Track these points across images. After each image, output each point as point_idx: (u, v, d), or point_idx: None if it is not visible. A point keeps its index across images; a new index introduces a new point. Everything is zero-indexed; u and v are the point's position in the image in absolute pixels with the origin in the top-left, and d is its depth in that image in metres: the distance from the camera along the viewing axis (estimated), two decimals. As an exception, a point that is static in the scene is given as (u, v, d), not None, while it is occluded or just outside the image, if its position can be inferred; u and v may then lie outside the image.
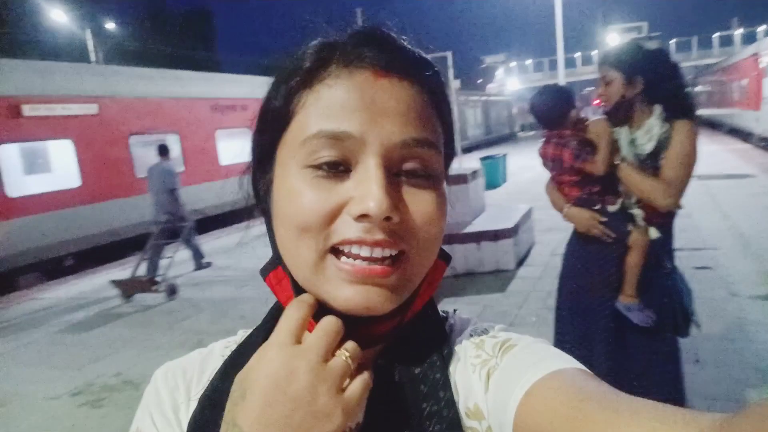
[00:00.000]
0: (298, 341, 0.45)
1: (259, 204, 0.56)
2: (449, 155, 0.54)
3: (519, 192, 12.02)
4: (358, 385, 0.45)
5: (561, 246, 2.69)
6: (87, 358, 4.98)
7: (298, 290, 0.50)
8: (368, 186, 0.45)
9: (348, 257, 0.47)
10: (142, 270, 7.02)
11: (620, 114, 2.22)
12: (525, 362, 0.49)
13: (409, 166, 0.48)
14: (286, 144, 0.50)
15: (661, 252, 2.25)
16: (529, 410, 0.44)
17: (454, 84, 20.86)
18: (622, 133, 2.24)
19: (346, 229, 0.46)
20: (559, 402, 0.42)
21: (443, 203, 0.50)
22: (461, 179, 6.62)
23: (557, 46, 18.17)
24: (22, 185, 8.85)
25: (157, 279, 6.70)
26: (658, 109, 2.18)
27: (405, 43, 0.50)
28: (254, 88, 13.79)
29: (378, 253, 0.46)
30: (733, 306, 4.50)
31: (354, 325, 0.48)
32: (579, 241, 2.39)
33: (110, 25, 34.30)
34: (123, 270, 8.39)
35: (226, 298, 6.49)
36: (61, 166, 9.74)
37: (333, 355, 0.45)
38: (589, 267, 2.34)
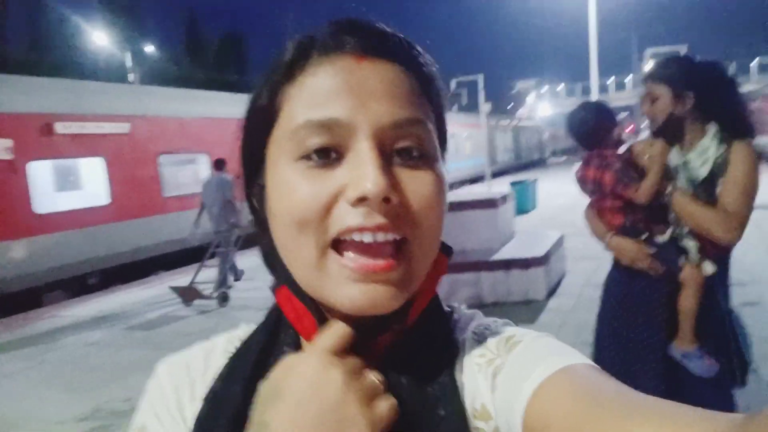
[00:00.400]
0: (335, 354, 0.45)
1: (255, 217, 0.54)
2: (442, 136, 0.53)
3: (550, 218, 11.70)
4: (386, 404, 0.44)
5: (595, 275, 2.46)
6: (99, 380, 4.84)
7: (307, 303, 0.49)
8: (363, 168, 0.43)
9: (350, 251, 0.45)
10: (201, 277, 7.14)
11: (668, 134, 1.97)
12: (531, 360, 0.47)
13: (402, 145, 0.46)
14: (275, 141, 0.49)
15: (716, 289, 1.98)
16: (538, 410, 0.43)
17: (485, 107, 20.73)
18: (673, 155, 2.00)
19: (345, 216, 0.44)
20: (570, 401, 0.41)
21: (441, 183, 0.49)
22: (490, 204, 6.41)
23: (591, 70, 17.91)
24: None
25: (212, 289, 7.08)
26: (713, 128, 1.93)
27: (385, 27, 0.49)
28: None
29: (381, 237, 0.45)
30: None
31: (360, 336, 0.47)
32: (623, 274, 2.13)
33: (149, 48, 35.33)
34: (144, 288, 8.33)
35: (250, 320, 6.29)
36: (90, 183, 9.80)
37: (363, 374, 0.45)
38: (633, 304, 2.08)
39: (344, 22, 0.49)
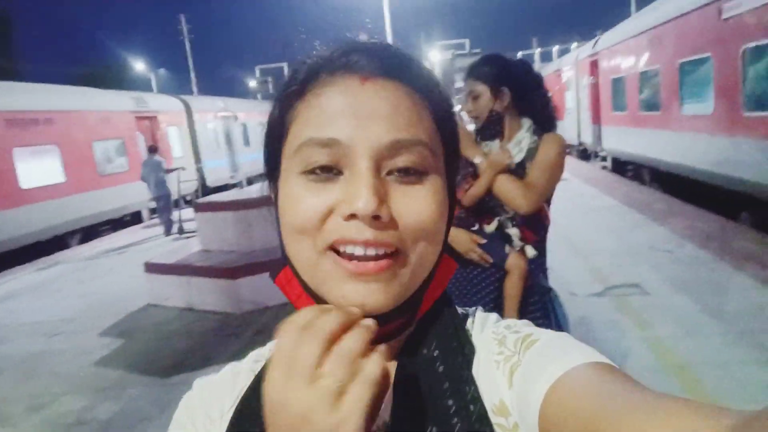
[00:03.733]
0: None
1: (275, 204, 0.56)
2: (451, 151, 0.54)
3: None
4: (355, 392, 0.39)
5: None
6: None
7: (307, 288, 0.52)
8: (356, 187, 0.46)
9: (344, 257, 0.48)
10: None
11: (492, 129, 2.06)
12: (548, 357, 0.47)
13: (399, 164, 0.48)
14: (286, 154, 0.52)
15: (537, 271, 2.14)
16: (553, 406, 0.43)
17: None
18: (494, 148, 2.09)
19: (338, 229, 0.47)
20: (584, 398, 0.41)
21: (438, 198, 0.50)
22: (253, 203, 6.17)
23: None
24: None
25: None
26: (527, 122, 2.08)
27: (392, 48, 0.52)
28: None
29: (371, 251, 0.47)
30: (575, 306, 4.73)
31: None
32: (459, 261, 2.19)
33: None
34: None
35: (33, 352, 5.38)
36: None
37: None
38: (468, 291, 2.15)
39: (352, 44, 0.52)
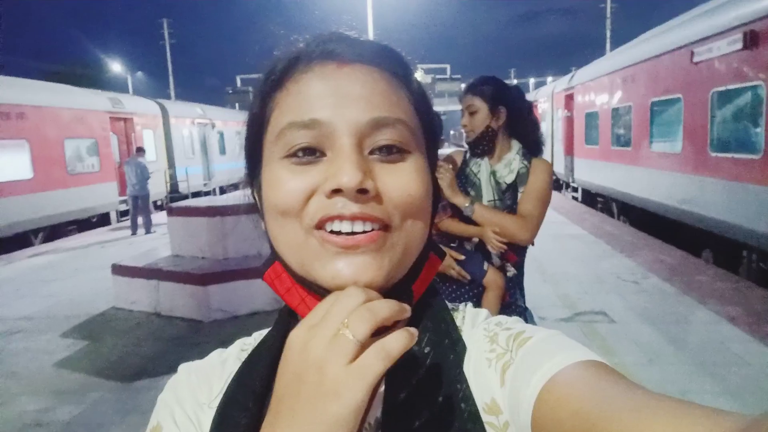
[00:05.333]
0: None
1: (258, 207, 0.57)
2: (430, 133, 0.55)
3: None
4: (369, 353, 0.39)
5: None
6: None
7: (298, 279, 0.51)
8: (340, 163, 0.46)
9: (331, 235, 0.47)
10: None
11: (485, 145, 2.13)
12: (541, 355, 0.47)
13: (381, 142, 0.49)
14: (267, 143, 0.52)
15: (515, 289, 2.19)
16: (547, 405, 0.43)
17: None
18: (483, 165, 2.15)
19: (324, 207, 0.47)
20: (578, 397, 0.41)
21: (421, 175, 0.51)
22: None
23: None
24: None
25: None
26: (516, 145, 2.15)
27: (364, 37, 0.54)
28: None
29: (359, 227, 0.47)
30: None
31: None
32: (436, 279, 2.22)
33: None
34: None
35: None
36: None
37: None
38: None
39: (327, 34, 0.53)
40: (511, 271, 2.16)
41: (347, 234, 0.47)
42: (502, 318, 0.57)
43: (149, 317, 5.86)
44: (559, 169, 16.84)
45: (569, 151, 15.80)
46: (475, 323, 0.57)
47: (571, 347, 0.47)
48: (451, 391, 0.49)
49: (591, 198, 14.11)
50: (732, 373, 3.93)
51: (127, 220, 12.82)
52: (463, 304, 0.61)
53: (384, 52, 0.53)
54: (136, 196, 11.42)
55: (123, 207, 13.59)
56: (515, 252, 2.16)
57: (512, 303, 2.17)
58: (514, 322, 0.55)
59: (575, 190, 15.50)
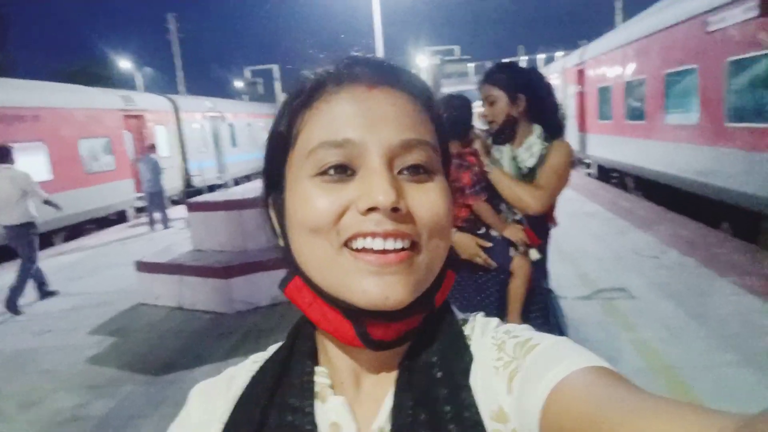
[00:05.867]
0: None
1: (275, 225, 0.58)
2: (445, 155, 0.57)
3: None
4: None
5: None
6: None
7: (319, 292, 0.52)
8: (374, 181, 0.48)
9: (361, 253, 0.48)
10: None
11: (506, 133, 2.14)
12: (547, 362, 0.48)
13: (409, 163, 0.51)
14: (293, 162, 0.53)
15: (539, 274, 2.21)
16: (554, 411, 0.43)
17: (282, 97, 20.58)
18: (505, 151, 2.17)
19: (357, 223, 0.48)
20: (584, 403, 0.42)
21: (446, 195, 0.53)
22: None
23: (377, 64, 18.76)
24: None
25: None
26: (538, 128, 2.16)
27: (390, 61, 0.56)
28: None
29: (390, 245, 0.48)
30: (564, 308, 4.84)
31: (385, 319, 0.50)
32: (465, 264, 2.25)
33: None
34: None
35: (22, 349, 5.34)
36: None
37: None
38: (471, 295, 2.21)
39: (355, 57, 0.55)
40: (536, 255, 2.19)
41: (379, 251, 0.48)
42: (511, 326, 0.58)
43: (173, 311, 5.98)
44: (573, 146, 16.68)
45: (582, 127, 15.65)
46: (484, 332, 0.57)
47: (577, 353, 0.48)
48: (455, 401, 0.51)
49: (605, 174, 14.00)
50: (755, 345, 3.93)
51: (143, 216, 13.00)
52: (475, 313, 0.62)
53: (409, 77, 0.55)
54: (152, 193, 11.60)
55: (139, 203, 13.73)
56: (539, 234, 2.17)
57: (536, 286, 2.19)
58: (523, 329, 0.56)
59: (588, 166, 15.37)
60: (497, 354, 0.53)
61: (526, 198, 2.07)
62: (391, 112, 0.51)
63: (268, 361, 0.60)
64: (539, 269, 2.22)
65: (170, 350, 4.90)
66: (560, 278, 5.65)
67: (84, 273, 8.45)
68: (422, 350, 0.54)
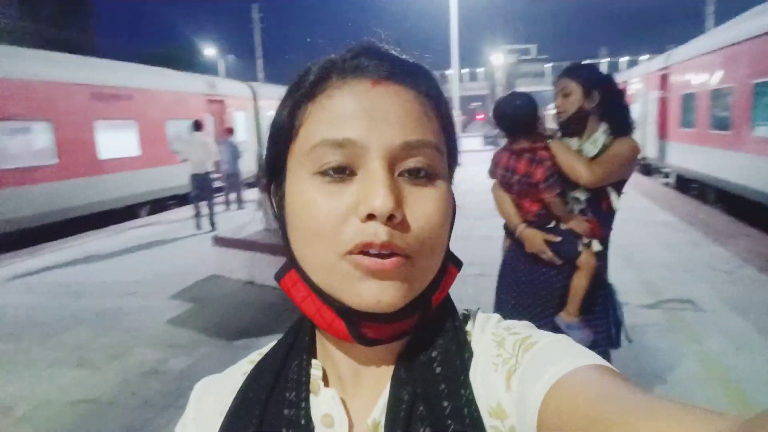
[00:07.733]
0: None
1: (275, 213, 0.57)
2: (452, 155, 0.56)
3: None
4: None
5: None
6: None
7: (314, 289, 0.52)
8: (373, 186, 0.47)
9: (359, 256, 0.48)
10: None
11: (574, 125, 2.24)
12: (547, 359, 0.48)
13: (410, 165, 0.50)
14: (295, 154, 0.52)
15: (602, 267, 2.29)
16: (552, 409, 0.44)
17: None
18: (572, 144, 2.27)
19: (358, 233, 0.47)
20: (582, 401, 0.42)
21: (445, 201, 0.52)
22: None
23: (452, 61, 18.78)
24: None
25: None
26: (604, 125, 2.23)
27: (399, 54, 0.54)
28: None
29: (386, 250, 0.48)
30: (626, 314, 4.80)
31: (378, 320, 0.50)
32: (528, 259, 2.35)
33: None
34: None
35: (108, 308, 5.87)
36: None
37: None
38: (534, 289, 2.32)
39: (362, 48, 0.53)
40: (598, 246, 2.26)
41: (375, 255, 0.48)
42: (511, 323, 0.58)
43: (246, 285, 6.36)
44: (651, 153, 16.09)
45: (662, 134, 15.07)
46: (484, 328, 0.57)
47: (576, 352, 0.49)
48: (454, 396, 0.51)
49: (684, 184, 13.44)
50: (828, 367, 3.79)
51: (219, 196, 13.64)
52: (476, 309, 0.62)
53: (417, 71, 0.53)
54: (230, 174, 12.18)
55: (217, 183, 14.44)
56: (602, 224, 2.25)
57: (599, 279, 2.27)
58: (523, 326, 0.56)
59: (666, 175, 14.79)
60: (497, 350, 0.53)
61: (579, 168, 2.15)
62: (395, 111, 0.50)
63: (268, 356, 0.62)
64: (603, 262, 2.29)
65: (242, 320, 5.25)
66: (624, 285, 5.58)
67: (164, 245, 9.07)
68: (422, 345, 0.54)
